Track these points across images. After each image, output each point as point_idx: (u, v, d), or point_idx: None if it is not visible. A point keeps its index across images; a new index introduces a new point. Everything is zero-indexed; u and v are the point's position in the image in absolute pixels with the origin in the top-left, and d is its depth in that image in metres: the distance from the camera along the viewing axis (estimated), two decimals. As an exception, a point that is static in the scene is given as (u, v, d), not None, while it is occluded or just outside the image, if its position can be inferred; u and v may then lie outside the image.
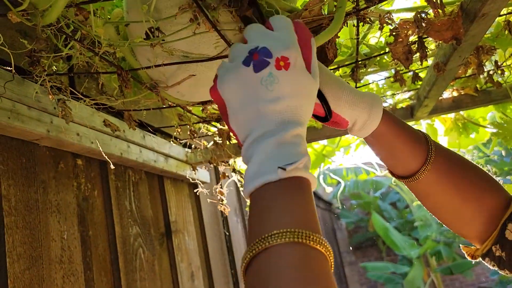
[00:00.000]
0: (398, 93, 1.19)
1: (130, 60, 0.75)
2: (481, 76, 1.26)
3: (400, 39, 0.76)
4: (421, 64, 0.78)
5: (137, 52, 0.74)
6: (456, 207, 0.69)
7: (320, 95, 0.57)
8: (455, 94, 1.35)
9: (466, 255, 0.73)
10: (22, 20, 0.52)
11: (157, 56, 0.68)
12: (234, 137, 0.48)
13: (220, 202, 1.38)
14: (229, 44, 0.64)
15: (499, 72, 1.10)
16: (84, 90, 0.90)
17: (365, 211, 8.55)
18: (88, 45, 0.67)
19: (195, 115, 1.06)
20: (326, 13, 0.62)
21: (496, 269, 0.67)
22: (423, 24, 0.70)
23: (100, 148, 0.84)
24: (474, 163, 0.72)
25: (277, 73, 0.45)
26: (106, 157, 0.88)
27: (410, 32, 0.76)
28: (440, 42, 0.81)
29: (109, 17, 0.72)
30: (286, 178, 0.41)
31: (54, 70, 0.73)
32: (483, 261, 0.71)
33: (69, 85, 0.86)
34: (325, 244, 0.38)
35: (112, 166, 0.84)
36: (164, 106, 0.86)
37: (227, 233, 1.79)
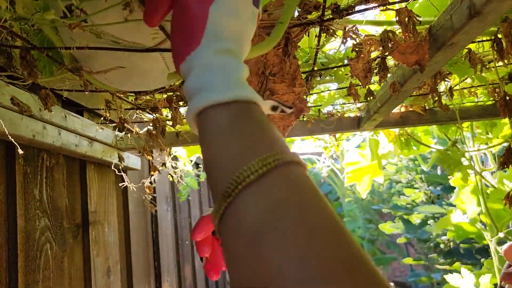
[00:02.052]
0: (348, 103, 1.14)
1: (49, 34, 0.61)
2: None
3: (362, 55, 0.70)
4: (380, 85, 0.72)
5: (59, 26, 0.61)
6: None
7: None
8: (403, 110, 1.33)
9: None
10: None
11: (81, 37, 0.56)
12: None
13: (149, 200, 1.27)
14: (168, 36, 0.53)
15: (449, 95, 1.09)
16: (-8, 58, 0.74)
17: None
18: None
19: (127, 101, 0.94)
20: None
21: None
22: (389, 45, 0.63)
23: (6, 130, 0.70)
24: None
25: None
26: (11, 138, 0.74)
27: (373, 48, 0.70)
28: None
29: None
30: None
31: None
32: None
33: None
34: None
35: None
36: (88, 91, 0.74)
37: (155, 224, 1.68)
